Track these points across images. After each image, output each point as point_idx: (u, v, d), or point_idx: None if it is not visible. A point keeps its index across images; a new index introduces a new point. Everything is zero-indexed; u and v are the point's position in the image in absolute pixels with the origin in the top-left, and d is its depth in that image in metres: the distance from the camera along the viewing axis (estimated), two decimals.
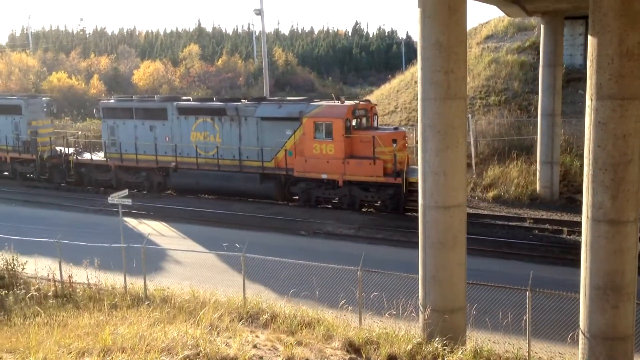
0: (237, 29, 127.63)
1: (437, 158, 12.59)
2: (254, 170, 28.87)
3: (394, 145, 25.76)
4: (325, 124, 26.80)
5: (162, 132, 31.61)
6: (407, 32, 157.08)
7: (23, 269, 18.05)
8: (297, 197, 28.80)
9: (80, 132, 38.95)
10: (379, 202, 26.81)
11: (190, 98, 34.20)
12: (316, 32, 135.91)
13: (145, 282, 16.49)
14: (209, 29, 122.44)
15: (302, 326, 13.43)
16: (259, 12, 46.37)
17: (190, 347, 11.25)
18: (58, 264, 17.44)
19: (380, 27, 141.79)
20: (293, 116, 27.78)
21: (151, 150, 31.55)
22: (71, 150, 35.69)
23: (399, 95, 40.67)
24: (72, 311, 15.06)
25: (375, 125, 28.69)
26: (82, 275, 17.41)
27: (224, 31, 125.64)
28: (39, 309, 15.15)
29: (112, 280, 17.28)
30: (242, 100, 30.87)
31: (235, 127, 29.53)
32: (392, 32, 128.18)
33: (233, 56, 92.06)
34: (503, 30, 41.85)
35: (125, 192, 20.12)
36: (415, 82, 37.00)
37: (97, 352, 10.98)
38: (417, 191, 25.16)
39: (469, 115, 31.51)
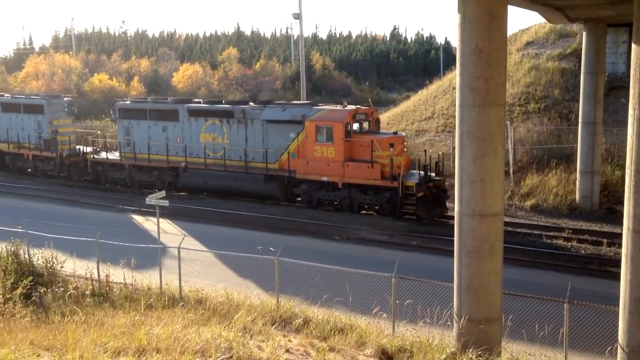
0: (275, 33, 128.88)
1: (475, 165, 12.45)
2: (259, 171, 29.66)
3: (391, 149, 26.31)
4: (327, 128, 27.48)
5: (174, 133, 32.50)
6: (446, 38, 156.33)
7: (62, 267, 18.38)
8: (300, 199, 29.42)
9: (99, 132, 39.92)
10: (377, 206, 27.13)
11: (201, 100, 35.00)
12: (354, 36, 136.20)
13: (180, 283, 16.64)
14: (248, 33, 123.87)
15: (334, 332, 13.39)
16: (298, 17, 46.51)
17: (223, 349, 11.30)
18: (96, 263, 17.71)
19: (418, 32, 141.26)
20: (296, 119, 28.50)
21: (163, 151, 32.51)
22: (89, 149, 36.82)
23: (436, 101, 40.40)
24: (109, 310, 15.28)
25: (377, 130, 29.05)
26: (118, 275, 17.67)
27: (262, 35, 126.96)
28: (76, 307, 15.41)
29: (148, 280, 17.49)
30: (250, 103, 31.61)
31: (242, 129, 30.29)
32: (431, 37, 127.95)
33: (271, 60, 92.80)
34: (544, 36, 41.28)
35: (163, 193, 20.35)
36: (453, 88, 36.75)
37: (133, 352, 11.10)
38: (412, 195, 26.14)
39: (508, 123, 31.13)
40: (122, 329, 12.78)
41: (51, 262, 18.28)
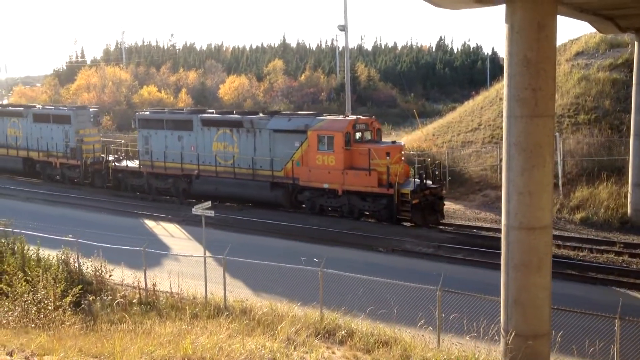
0: (320, 45, 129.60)
1: (522, 177, 12.24)
2: (266, 178, 30.76)
3: (388, 157, 27.25)
4: (327, 137, 28.48)
5: (188, 142, 33.76)
6: (493, 48, 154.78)
7: (110, 275, 18.72)
8: (304, 205, 30.28)
9: (123, 141, 41.40)
10: (376, 212, 27.86)
11: (214, 111, 36.23)
12: (399, 47, 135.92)
13: (225, 293, 16.76)
14: (293, 45, 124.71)
15: (378, 345, 13.28)
16: (343, 28, 46.65)
17: None
18: (143, 272, 17.99)
19: (465, 43, 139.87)
20: (300, 129, 29.59)
21: (178, 159, 33.80)
22: (112, 157, 38.56)
23: (482, 112, 39.95)
24: (155, 319, 15.47)
25: (379, 139, 29.87)
26: (165, 284, 17.89)
27: (307, 46, 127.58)
28: (124, 315, 15.65)
29: (194, 289, 17.67)
30: (260, 114, 32.77)
31: (251, 139, 31.42)
32: (477, 48, 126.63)
33: (316, 71, 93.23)
34: (594, 46, 40.49)
35: (209, 203, 20.50)
36: (500, 99, 36.28)
37: None
38: (408, 202, 26.57)
39: (557, 134, 30.56)
40: (168, 337, 12.91)
41: (100, 271, 18.64)
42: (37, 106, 45.24)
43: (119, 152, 39.48)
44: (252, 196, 31.23)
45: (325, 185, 28.79)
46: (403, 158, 28.88)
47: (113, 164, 37.48)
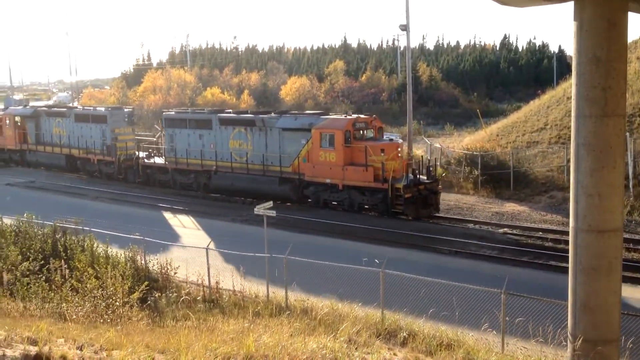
0: (381, 44, 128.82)
1: (591, 179, 11.88)
2: (275, 174, 32.53)
3: (382, 154, 28.70)
4: (329, 135, 30.11)
5: (208, 140, 35.74)
6: (560, 46, 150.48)
7: (175, 273, 19.13)
8: (310, 200, 31.83)
9: (154, 139, 43.07)
10: (374, 206, 29.35)
11: (231, 111, 38.14)
12: (462, 46, 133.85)
13: (286, 292, 16.90)
14: (354, 45, 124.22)
15: (441, 347, 13.13)
16: (405, 28, 46.20)
17: None
18: (207, 270, 18.31)
19: (530, 41, 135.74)
20: (305, 127, 31.26)
21: (198, 155, 35.87)
22: (142, 154, 40.86)
23: (549, 112, 38.98)
24: (218, 316, 15.72)
25: (380, 137, 31.43)
26: (227, 282, 18.16)
27: (369, 47, 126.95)
28: (189, 312, 15.97)
29: (256, 288, 17.87)
30: (272, 114, 34.23)
31: (263, 137, 33.19)
32: (543, 46, 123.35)
33: (377, 71, 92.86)
34: None
35: (270, 203, 20.67)
36: (568, 98, 35.34)
37: (241, 358, 11.33)
38: (401, 196, 27.76)
39: (627, 134, 29.54)
40: (231, 335, 13.09)
41: (165, 268, 19.08)
42: (79, 107, 49.05)
43: (150, 149, 41.48)
44: (263, 191, 32.44)
45: (328, 181, 30.33)
46: (400, 155, 30.21)
47: (143, 160, 39.78)
